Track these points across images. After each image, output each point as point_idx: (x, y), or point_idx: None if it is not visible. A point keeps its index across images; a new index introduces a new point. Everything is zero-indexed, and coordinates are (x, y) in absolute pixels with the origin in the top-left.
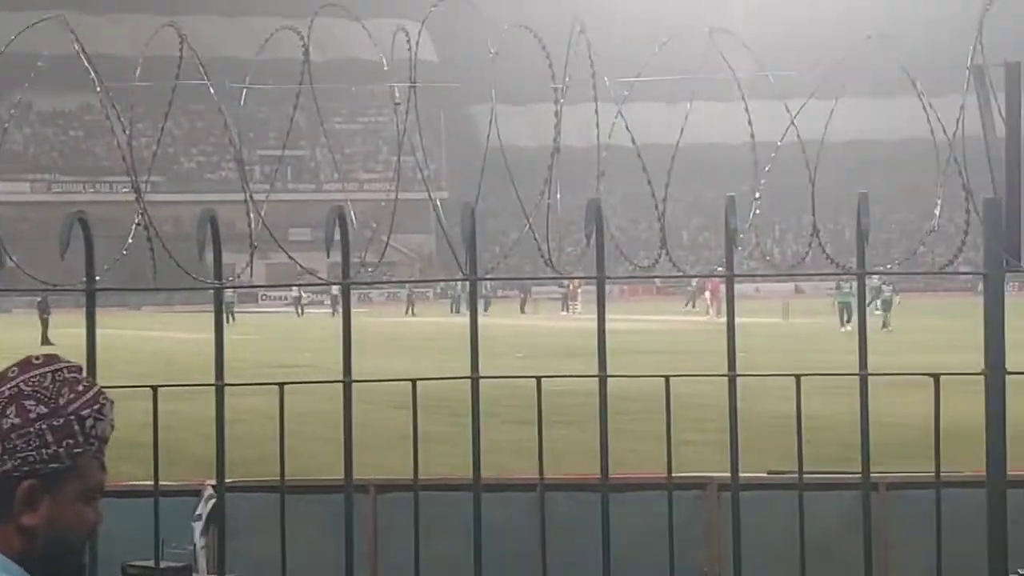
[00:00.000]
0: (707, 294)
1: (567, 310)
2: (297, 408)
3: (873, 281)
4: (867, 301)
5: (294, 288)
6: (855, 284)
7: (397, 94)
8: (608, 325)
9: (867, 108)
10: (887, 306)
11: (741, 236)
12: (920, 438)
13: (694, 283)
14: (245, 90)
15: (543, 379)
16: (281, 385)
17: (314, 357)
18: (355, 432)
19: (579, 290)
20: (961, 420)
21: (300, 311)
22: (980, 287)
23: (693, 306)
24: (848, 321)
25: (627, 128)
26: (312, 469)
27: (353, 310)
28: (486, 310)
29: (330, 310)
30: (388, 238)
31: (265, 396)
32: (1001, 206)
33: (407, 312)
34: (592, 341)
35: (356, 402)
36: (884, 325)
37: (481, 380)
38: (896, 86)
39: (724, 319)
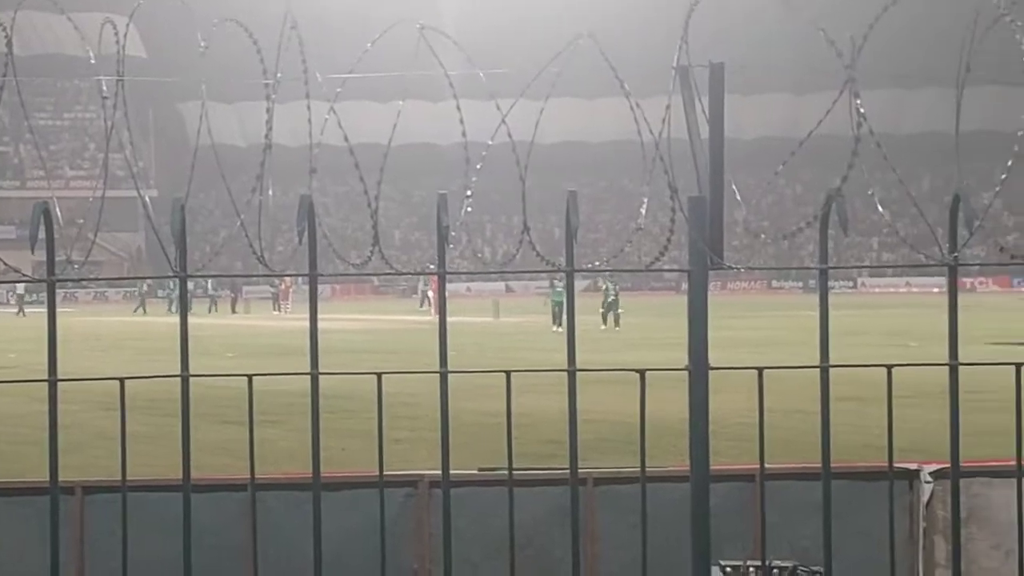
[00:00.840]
0: (430, 293)
1: (279, 310)
2: (2, 410)
3: (607, 287)
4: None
5: (17, 287)
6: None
7: (104, 88)
8: (322, 324)
9: (577, 110)
10: (613, 306)
11: (453, 234)
12: (629, 434)
13: (422, 283)
14: None
15: (254, 377)
16: None
17: (19, 358)
18: (62, 433)
19: (291, 290)
20: (668, 416)
21: (22, 311)
22: (684, 285)
23: (427, 305)
24: (561, 322)
25: (339, 125)
26: (18, 472)
27: (59, 310)
28: (208, 310)
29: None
30: (95, 235)
31: None
32: (705, 204)
33: (136, 310)
34: (304, 341)
35: (64, 403)
36: (606, 323)
37: (192, 379)
38: (606, 88)
39: (454, 319)
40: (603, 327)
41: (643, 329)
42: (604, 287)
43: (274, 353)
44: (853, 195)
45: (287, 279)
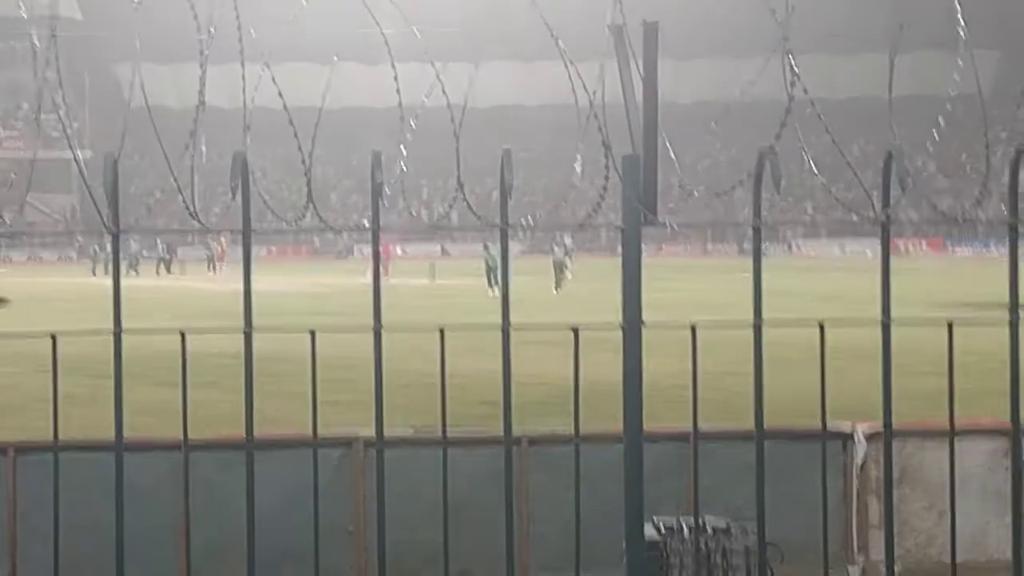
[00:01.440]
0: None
1: (213, 271)
2: None
3: (554, 250)
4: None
5: None
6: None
7: (37, 42)
8: (258, 287)
9: (515, 73)
10: (560, 267)
11: (387, 192)
12: (568, 398)
13: (356, 247)
14: None
15: (187, 335)
16: None
17: None
18: None
19: (226, 251)
20: (607, 380)
21: None
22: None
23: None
24: (496, 283)
25: (273, 81)
26: None
27: None
28: (135, 272)
29: None
30: (26, 194)
31: None
32: (639, 162)
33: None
34: (239, 304)
35: (0, 366)
36: (557, 286)
37: (127, 342)
38: (543, 51)
39: (391, 281)
40: (490, 292)
41: (582, 292)
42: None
43: (210, 315)
44: (788, 160)
45: (222, 240)
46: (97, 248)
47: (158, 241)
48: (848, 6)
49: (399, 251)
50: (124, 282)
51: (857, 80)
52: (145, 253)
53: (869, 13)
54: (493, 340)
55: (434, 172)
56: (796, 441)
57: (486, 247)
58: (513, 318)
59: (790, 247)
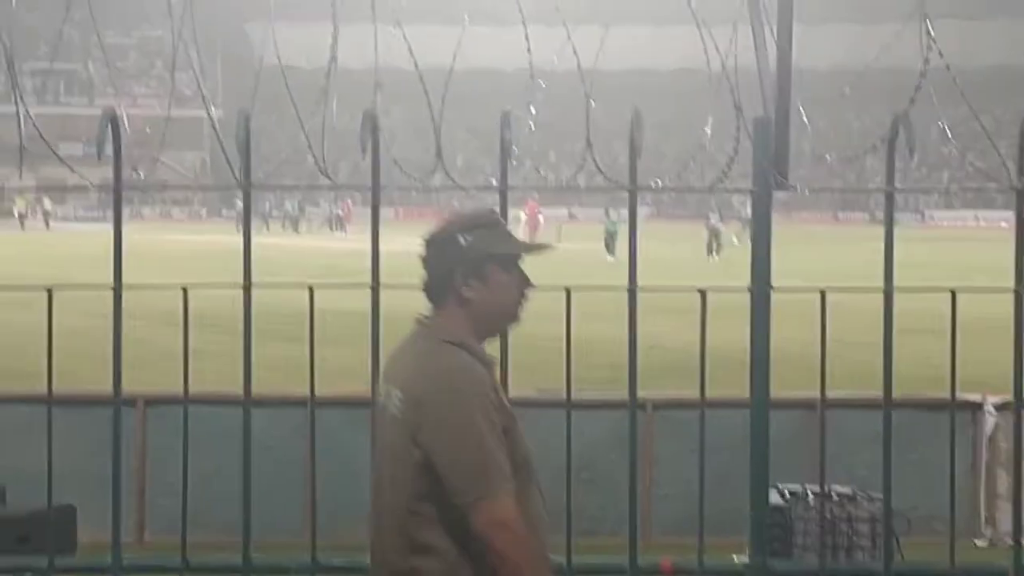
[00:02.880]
0: (523, 218)
1: (340, 229)
2: (65, 326)
3: (708, 216)
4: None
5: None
6: (624, 211)
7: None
8: (386, 247)
9: (645, 37)
10: (715, 233)
11: (515, 151)
12: (695, 363)
13: (337, 207)
14: None
15: (315, 291)
16: (49, 291)
17: (82, 275)
18: (126, 348)
19: (351, 212)
20: (734, 346)
21: (46, 223)
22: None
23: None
24: (613, 251)
25: (404, 38)
26: (82, 385)
27: (124, 226)
28: (267, 229)
29: (101, 227)
30: (161, 146)
31: (37, 312)
32: (771, 125)
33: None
34: (366, 263)
35: (128, 319)
36: (713, 252)
37: (254, 297)
38: (675, 14)
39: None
40: (609, 258)
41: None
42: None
43: (337, 274)
44: (925, 128)
45: (349, 202)
46: (231, 205)
47: (286, 200)
48: None
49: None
50: (254, 239)
51: (995, 47)
52: (274, 213)
53: None
54: (619, 304)
55: (562, 137)
56: (925, 411)
57: (607, 212)
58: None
59: (923, 216)
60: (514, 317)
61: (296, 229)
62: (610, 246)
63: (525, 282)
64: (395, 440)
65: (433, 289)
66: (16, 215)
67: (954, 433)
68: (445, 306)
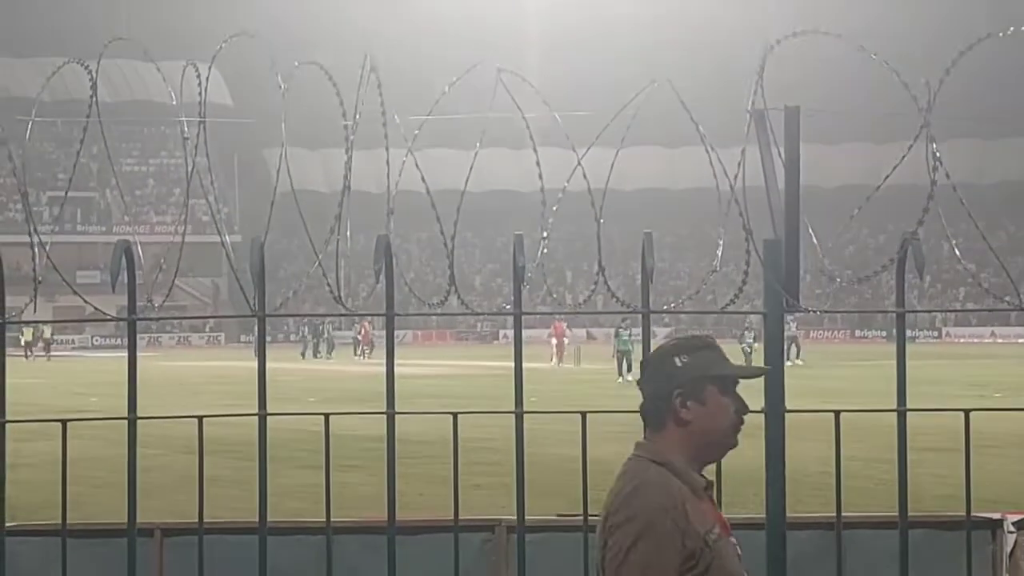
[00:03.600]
0: (553, 340)
1: (360, 355)
2: (84, 453)
3: (743, 336)
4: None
5: (23, 331)
6: (634, 331)
7: (186, 128)
8: (402, 370)
9: (658, 157)
10: (747, 354)
11: (530, 275)
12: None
13: (355, 328)
14: (31, 124)
15: (331, 417)
16: (64, 422)
17: (101, 402)
18: (142, 477)
19: (368, 334)
20: (751, 465)
21: (32, 353)
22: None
23: (361, 354)
24: (629, 370)
25: (416, 166)
26: (99, 515)
27: (143, 354)
28: (301, 355)
29: (120, 354)
30: (175, 276)
31: (52, 440)
32: (780, 247)
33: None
34: (382, 387)
35: (144, 448)
36: (622, 373)
37: (270, 423)
38: (686, 136)
39: (567, 365)
40: (619, 379)
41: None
42: (618, 333)
43: (355, 398)
44: (939, 244)
45: (367, 324)
46: (249, 331)
47: (304, 325)
48: (999, 92)
49: (546, 335)
50: (273, 364)
51: (1006, 164)
52: (292, 337)
53: (1017, 97)
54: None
55: (579, 256)
56: (942, 529)
57: (617, 332)
58: None
59: (939, 333)
60: (731, 440)
61: (314, 353)
62: (621, 365)
63: (743, 406)
64: (598, 561)
65: (650, 412)
66: (22, 344)
67: (970, 552)
68: (661, 429)
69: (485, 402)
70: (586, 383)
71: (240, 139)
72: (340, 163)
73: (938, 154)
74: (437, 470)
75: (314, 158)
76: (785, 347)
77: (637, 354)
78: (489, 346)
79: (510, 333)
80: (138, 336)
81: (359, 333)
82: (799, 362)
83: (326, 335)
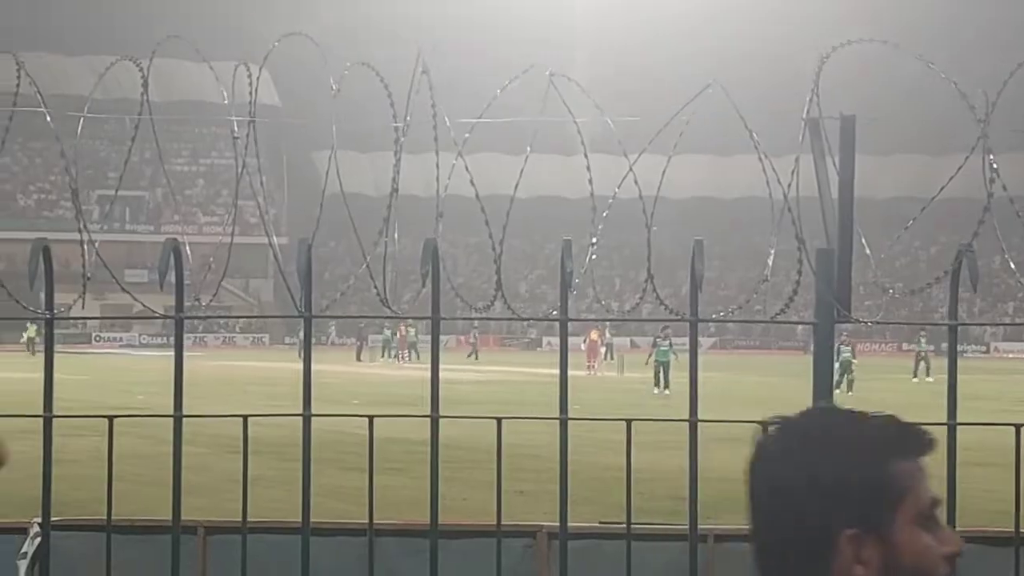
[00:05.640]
0: (582, 346)
1: (405, 359)
2: (130, 450)
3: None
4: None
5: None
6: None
7: (236, 128)
8: (446, 375)
9: (710, 165)
10: (846, 367)
11: (577, 281)
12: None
13: (388, 332)
14: (82, 121)
15: (375, 419)
16: (110, 418)
17: (147, 400)
18: (187, 476)
19: (413, 338)
20: None
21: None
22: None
23: (395, 358)
24: (666, 384)
25: (467, 169)
26: (144, 512)
27: (189, 354)
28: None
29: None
30: (223, 277)
31: (99, 438)
32: (833, 257)
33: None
34: (427, 391)
35: (189, 447)
36: (659, 385)
37: (314, 424)
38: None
39: (604, 374)
40: (656, 390)
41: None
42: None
43: (397, 403)
44: (990, 257)
45: (409, 329)
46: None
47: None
48: None
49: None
50: (317, 365)
51: None
52: (335, 340)
53: None
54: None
55: (627, 264)
56: (991, 545)
57: (654, 342)
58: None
59: (988, 348)
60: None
61: (358, 357)
62: (659, 376)
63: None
64: None
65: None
66: (25, 339)
67: (1019, 568)
68: None
69: (530, 408)
70: (628, 392)
71: (289, 141)
72: (389, 166)
73: (995, 165)
74: (480, 475)
75: (364, 161)
76: (918, 364)
77: (675, 364)
78: (533, 352)
79: (554, 340)
80: (184, 335)
81: (399, 336)
82: (928, 379)
83: (387, 338)
